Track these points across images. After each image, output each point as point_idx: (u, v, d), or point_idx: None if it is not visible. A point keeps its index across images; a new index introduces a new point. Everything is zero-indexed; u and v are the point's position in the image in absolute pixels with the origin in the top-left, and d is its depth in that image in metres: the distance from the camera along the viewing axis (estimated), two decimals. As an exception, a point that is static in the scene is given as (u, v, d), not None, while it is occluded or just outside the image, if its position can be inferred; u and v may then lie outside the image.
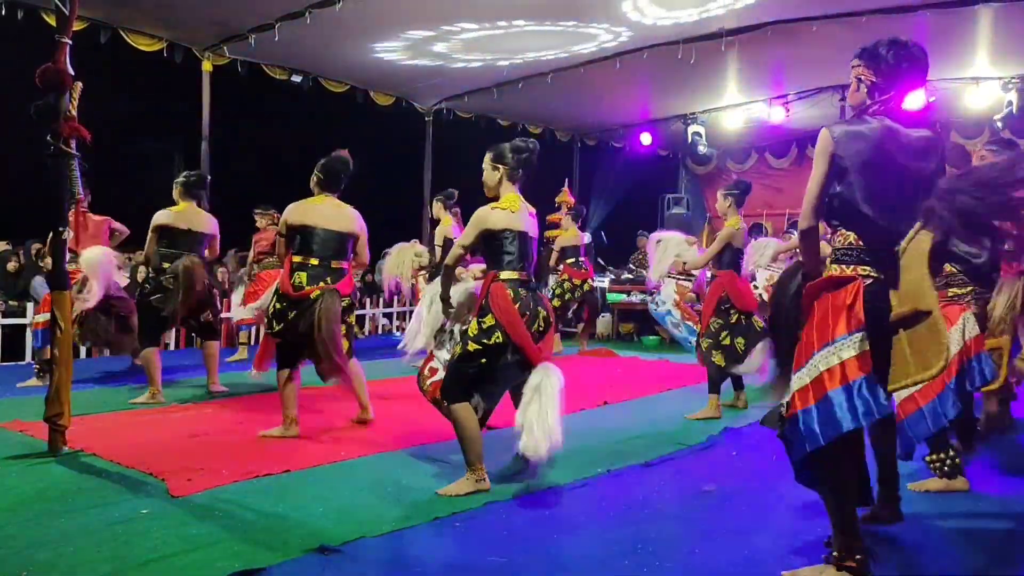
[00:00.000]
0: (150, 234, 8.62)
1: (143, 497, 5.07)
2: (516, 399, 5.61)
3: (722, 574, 4.09)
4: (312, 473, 5.78)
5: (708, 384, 8.22)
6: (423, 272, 11.23)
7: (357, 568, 4.03)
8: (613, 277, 17.15)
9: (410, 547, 4.34)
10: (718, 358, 8.11)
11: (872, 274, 3.91)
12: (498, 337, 5.34)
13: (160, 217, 8.59)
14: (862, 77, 4.10)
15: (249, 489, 5.30)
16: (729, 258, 8.25)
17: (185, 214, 8.67)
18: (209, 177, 9.09)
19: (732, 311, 8.13)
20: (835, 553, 3.92)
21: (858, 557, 3.85)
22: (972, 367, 5.28)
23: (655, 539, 4.52)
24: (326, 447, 6.51)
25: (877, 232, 3.89)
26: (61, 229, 6.26)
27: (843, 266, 3.98)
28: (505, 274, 5.47)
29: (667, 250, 9.42)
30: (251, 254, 11.75)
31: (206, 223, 8.83)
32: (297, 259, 6.84)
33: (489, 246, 5.58)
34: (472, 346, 5.39)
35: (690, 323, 9.74)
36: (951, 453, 5.45)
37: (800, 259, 4.36)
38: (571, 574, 4.05)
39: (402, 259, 11.03)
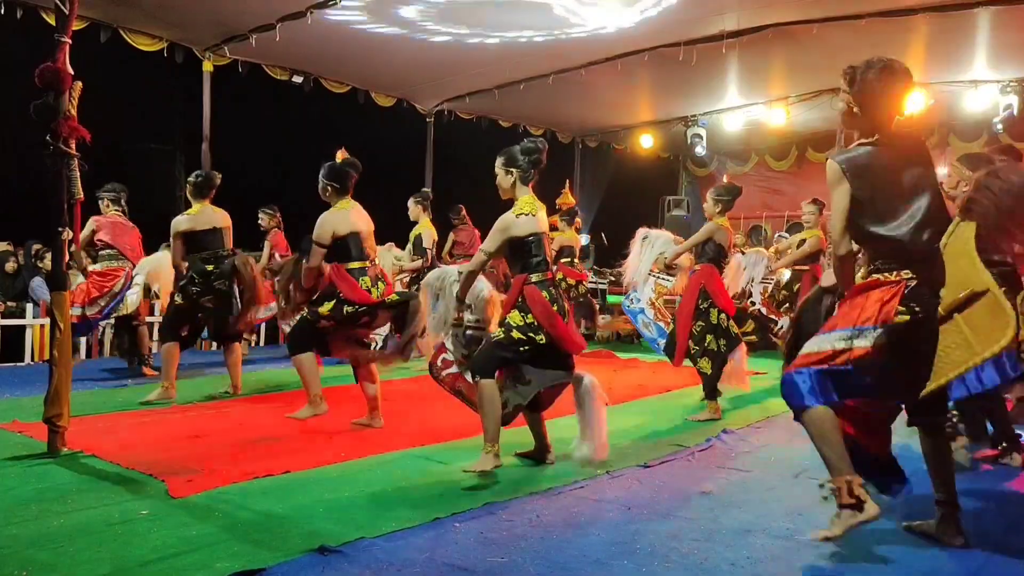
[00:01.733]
0: (175, 242, 8.66)
1: (143, 498, 5.07)
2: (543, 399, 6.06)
3: (721, 574, 4.09)
4: (312, 474, 5.77)
5: (704, 391, 8.23)
6: (403, 276, 11.24)
7: (356, 569, 4.02)
8: (613, 279, 17.14)
9: (409, 548, 4.33)
10: (704, 365, 8.08)
11: (912, 277, 4.13)
12: (542, 337, 5.72)
13: (182, 224, 8.66)
14: (848, 103, 4.33)
15: (249, 490, 5.30)
16: (712, 252, 8.16)
17: (203, 215, 8.75)
18: (219, 175, 9.12)
19: (712, 309, 8.10)
20: (833, 492, 4.14)
21: (854, 490, 4.05)
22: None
23: (654, 540, 4.51)
24: (326, 448, 6.51)
25: (898, 244, 4.14)
26: (60, 229, 6.26)
27: (886, 273, 4.19)
28: (536, 276, 5.79)
29: (653, 247, 9.35)
30: (266, 254, 11.92)
31: (223, 218, 8.93)
32: (355, 265, 7.12)
33: (516, 251, 5.86)
34: (516, 334, 5.71)
35: (661, 324, 9.65)
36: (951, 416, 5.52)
37: (821, 285, 4.66)
38: (571, 574, 4.04)
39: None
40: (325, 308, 7.06)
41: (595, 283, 17.55)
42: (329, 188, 7.21)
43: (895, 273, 4.15)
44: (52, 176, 6.17)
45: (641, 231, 9.62)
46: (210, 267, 8.57)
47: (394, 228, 10.97)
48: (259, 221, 12.35)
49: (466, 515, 4.89)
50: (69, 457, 6.09)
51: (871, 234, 4.21)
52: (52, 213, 6.23)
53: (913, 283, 4.11)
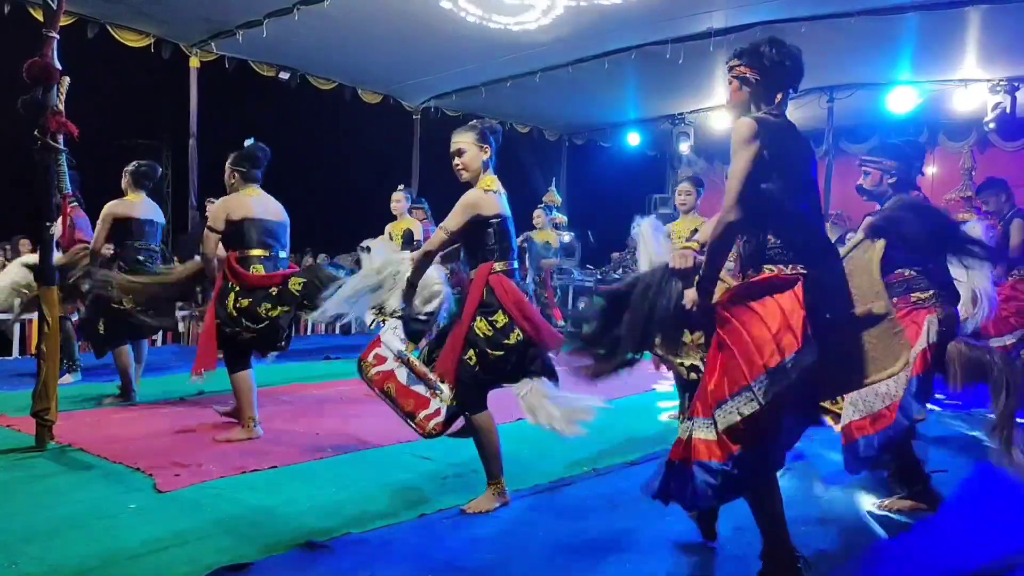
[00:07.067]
0: (101, 225, 8.14)
1: (131, 492, 5.08)
2: None
3: (710, 571, 4.11)
4: (299, 469, 5.79)
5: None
6: None
7: (344, 563, 4.04)
8: (600, 277, 17.17)
9: (397, 543, 4.35)
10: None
11: (802, 272, 3.68)
12: (518, 334, 4.99)
13: (119, 207, 8.22)
14: (747, 75, 3.98)
15: (236, 484, 5.31)
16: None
17: (142, 204, 8.40)
18: (161, 169, 8.82)
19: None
20: (766, 568, 3.82)
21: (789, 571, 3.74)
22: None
23: (642, 537, 4.54)
24: (313, 443, 6.52)
25: (803, 229, 3.78)
26: (48, 224, 6.25)
27: (780, 265, 3.73)
28: (500, 265, 5.06)
29: (654, 237, 9.08)
30: None
31: (160, 213, 8.65)
32: (254, 253, 6.71)
33: (478, 236, 5.11)
34: (493, 354, 4.96)
35: None
36: (919, 466, 5.19)
37: (670, 265, 3.99)
38: (558, 571, 4.06)
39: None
40: (230, 310, 6.59)
41: (581, 281, 17.58)
42: (235, 174, 6.88)
43: (790, 266, 3.69)
44: (40, 171, 6.16)
45: (641, 221, 9.34)
46: (141, 258, 8.20)
47: (383, 224, 10.94)
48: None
49: (453, 511, 4.91)
50: (57, 451, 6.09)
51: (778, 208, 3.75)
52: (40, 208, 6.23)
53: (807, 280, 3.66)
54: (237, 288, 6.61)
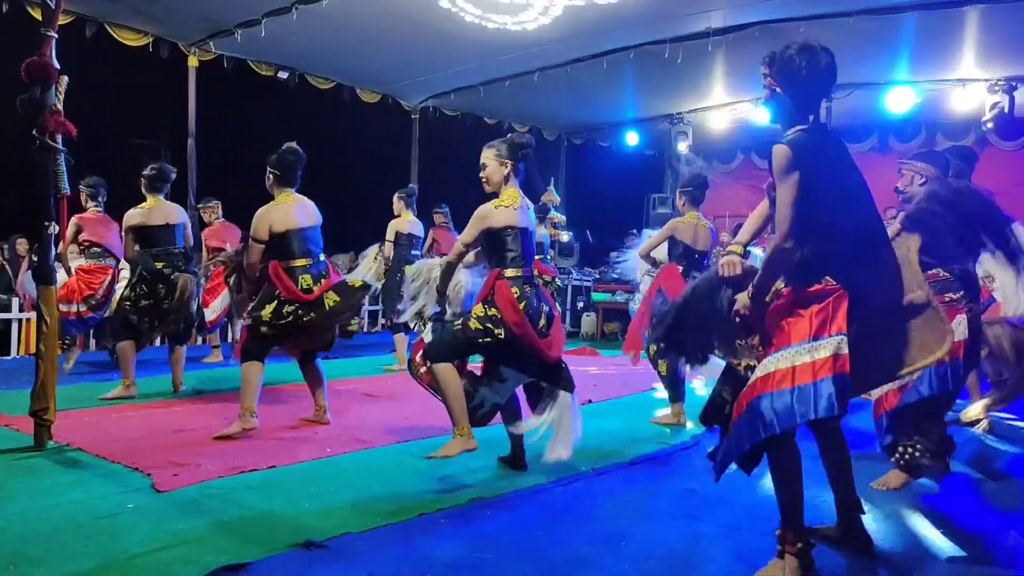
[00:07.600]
0: (126, 237, 8.46)
1: (129, 492, 5.07)
2: (531, 399, 5.94)
3: (707, 571, 4.11)
4: (298, 469, 5.79)
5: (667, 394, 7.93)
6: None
7: (342, 564, 4.04)
8: (598, 276, 17.19)
9: (396, 543, 4.35)
10: (662, 367, 7.76)
11: (842, 287, 3.87)
12: (501, 332, 5.51)
13: (134, 217, 8.37)
14: (773, 87, 4.10)
15: (235, 484, 5.30)
16: (677, 252, 7.76)
17: (157, 209, 8.46)
18: (174, 170, 8.88)
19: None
20: (779, 543, 3.97)
21: (800, 546, 3.90)
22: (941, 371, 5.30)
23: (640, 537, 4.54)
24: (312, 443, 6.52)
25: (840, 243, 3.88)
26: (47, 224, 6.25)
27: (827, 277, 3.89)
28: (509, 272, 5.58)
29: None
30: (204, 252, 11.34)
31: (178, 214, 8.68)
32: (298, 263, 6.83)
33: (492, 244, 5.67)
34: (474, 324, 5.53)
35: None
36: (917, 446, 5.43)
37: (720, 275, 4.26)
38: (556, 571, 4.06)
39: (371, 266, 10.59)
40: (267, 312, 6.73)
41: (580, 280, 17.59)
42: (271, 176, 6.97)
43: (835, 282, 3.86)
44: (38, 170, 6.16)
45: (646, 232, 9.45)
46: (159, 264, 8.32)
47: (379, 224, 10.96)
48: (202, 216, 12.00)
49: (452, 511, 4.91)
50: (56, 451, 6.10)
51: (817, 226, 3.87)
52: (39, 208, 6.22)
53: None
54: (282, 296, 6.76)
